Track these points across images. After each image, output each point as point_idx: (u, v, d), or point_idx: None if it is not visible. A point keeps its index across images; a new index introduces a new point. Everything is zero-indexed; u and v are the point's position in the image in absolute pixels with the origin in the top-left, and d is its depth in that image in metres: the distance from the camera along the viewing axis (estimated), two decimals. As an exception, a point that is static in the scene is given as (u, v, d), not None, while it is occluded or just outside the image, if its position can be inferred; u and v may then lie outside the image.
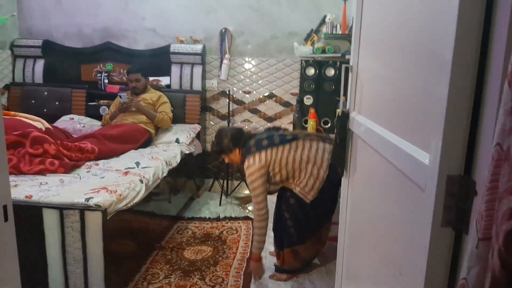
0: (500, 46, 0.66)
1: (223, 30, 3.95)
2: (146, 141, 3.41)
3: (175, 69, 3.96)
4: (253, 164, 2.30)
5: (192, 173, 3.80)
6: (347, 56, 3.42)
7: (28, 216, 2.01)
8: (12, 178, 2.39)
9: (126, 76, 3.63)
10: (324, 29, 3.61)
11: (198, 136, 3.85)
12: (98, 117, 3.84)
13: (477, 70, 0.73)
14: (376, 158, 1.20)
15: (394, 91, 1.07)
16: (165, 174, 2.88)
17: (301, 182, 2.33)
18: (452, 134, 0.77)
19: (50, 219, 2.01)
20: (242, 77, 4.04)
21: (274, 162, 2.30)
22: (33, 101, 3.95)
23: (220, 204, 3.81)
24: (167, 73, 3.96)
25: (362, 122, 1.39)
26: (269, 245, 2.92)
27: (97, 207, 2.00)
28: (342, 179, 1.75)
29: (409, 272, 0.95)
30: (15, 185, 2.24)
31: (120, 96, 3.47)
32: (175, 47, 3.90)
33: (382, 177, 1.15)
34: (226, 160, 2.57)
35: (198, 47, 3.90)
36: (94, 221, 1.99)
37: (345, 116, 1.65)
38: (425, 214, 0.83)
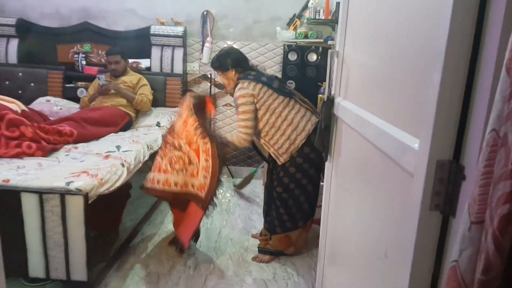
0: (494, 33, 0.67)
1: (205, 13, 3.88)
2: (126, 124, 3.35)
3: (155, 52, 3.88)
4: (246, 88, 2.32)
5: (173, 158, 3.76)
6: (329, 42, 3.42)
7: (6, 201, 1.96)
8: (-13, 161, 2.32)
9: (105, 57, 3.53)
10: (307, 14, 3.60)
11: (180, 120, 3.80)
12: (76, 99, 3.73)
13: (470, 56, 0.74)
14: (362, 143, 1.21)
15: (383, 77, 1.08)
16: (146, 158, 2.84)
17: (276, 143, 2.37)
18: (443, 120, 0.78)
19: (29, 204, 1.96)
20: (224, 61, 3.99)
21: (263, 102, 2.33)
22: (7, 82, 3.80)
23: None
24: (148, 55, 3.87)
25: (348, 108, 1.41)
26: (251, 228, 2.96)
27: (78, 191, 1.96)
28: (326, 163, 1.77)
29: (395, 254, 0.97)
30: (-9, 169, 2.17)
31: (98, 78, 3.38)
32: (155, 29, 3.81)
33: (369, 162, 1.17)
34: (221, 79, 2.56)
35: (179, 29, 3.82)
36: (76, 205, 1.95)
37: (330, 101, 1.66)
38: (413, 199, 0.85)
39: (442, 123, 0.78)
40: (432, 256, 0.84)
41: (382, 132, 1.02)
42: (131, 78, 3.53)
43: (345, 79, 1.56)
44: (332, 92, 1.67)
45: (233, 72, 2.44)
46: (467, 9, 0.73)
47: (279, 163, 2.39)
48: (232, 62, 2.44)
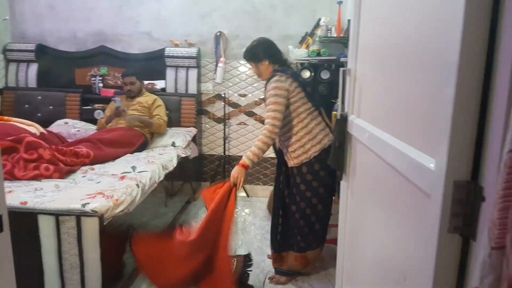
0: (509, 49, 0.65)
1: (218, 34, 3.94)
2: (142, 145, 3.38)
3: (170, 73, 3.94)
4: (283, 82, 2.27)
5: (188, 177, 3.78)
6: (342, 59, 3.42)
7: (24, 223, 1.98)
8: (6, 184, 2.36)
9: (121, 79, 3.61)
10: (319, 32, 3.61)
11: (194, 139, 3.83)
12: (93, 121, 3.81)
13: (484, 73, 0.72)
14: (377, 163, 1.19)
15: (397, 95, 1.06)
16: (161, 178, 2.85)
17: (290, 146, 2.34)
18: (459, 138, 0.76)
19: (46, 226, 1.97)
20: (237, 80, 4.03)
21: (293, 102, 2.29)
22: (26, 106, 3.90)
23: (216, 208, 3.77)
24: (162, 76, 3.94)
25: (362, 126, 1.39)
26: (267, 248, 2.92)
27: (93, 213, 1.97)
28: (342, 182, 1.74)
29: (414, 278, 0.94)
30: (10, 191, 2.20)
31: (114, 101, 3.44)
32: (170, 51, 3.88)
33: (385, 182, 1.15)
34: (253, 70, 2.49)
35: (193, 51, 3.89)
36: (91, 227, 1.96)
37: (344, 119, 1.64)
38: (431, 221, 0.82)
39: (458, 141, 0.76)
40: (452, 280, 0.80)
41: (397, 151, 1.00)
42: (146, 99, 3.59)
43: (357, 96, 1.54)
44: (345, 110, 1.66)
45: (267, 63, 2.38)
46: (479, 23, 0.71)
47: (289, 166, 2.38)
48: (265, 52, 2.38)
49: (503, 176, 0.57)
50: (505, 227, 0.56)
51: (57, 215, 1.97)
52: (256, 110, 4.06)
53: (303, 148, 2.32)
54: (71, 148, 2.84)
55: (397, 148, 0.99)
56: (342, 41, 3.56)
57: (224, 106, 4.00)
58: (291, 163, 2.36)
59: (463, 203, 0.79)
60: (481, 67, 0.72)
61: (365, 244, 1.41)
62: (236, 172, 2.21)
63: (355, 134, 1.52)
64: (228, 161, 4.10)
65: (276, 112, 2.22)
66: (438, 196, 0.80)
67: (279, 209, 2.51)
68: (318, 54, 3.60)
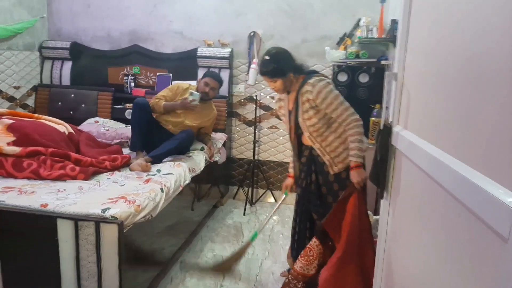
0: None
1: (252, 34, 3.80)
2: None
3: (201, 73, 3.83)
4: (324, 79, 2.14)
5: (216, 180, 3.66)
6: (383, 62, 3.20)
7: (43, 226, 1.92)
8: (30, 182, 2.32)
9: (205, 77, 3.23)
10: (359, 33, 3.40)
11: (224, 143, 3.71)
12: (123, 120, 3.77)
13: None
14: (431, 186, 1.00)
15: (461, 107, 0.87)
16: (187, 181, 2.75)
17: (334, 151, 2.18)
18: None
19: (64, 230, 1.90)
20: (270, 82, 3.87)
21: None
22: (59, 103, 3.92)
23: (244, 214, 3.65)
24: (194, 77, 3.84)
25: (410, 140, 1.20)
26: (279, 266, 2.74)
27: (113, 219, 1.88)
28: (382, 201, 1.55)
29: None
30: (32, 192, 2.16)
31: (191, 93, 3.06)
32: (202, 51, 3.79)
33: (440, 211, 0.96)
34: (276, 85, 2.21)
35: (226, 51, 3.77)
36: (110, 234, 1.87)
37: (388, 130, 1.45)
38: (508, 270, 0.64)
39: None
40: None
41: (462, 179, 0.80)
42: (212, 113, 3.37)
43: (405, 105, 1.35)
44: (390, 120, 1.47)
45: (292, 75, 2.19)
46: None
47: (332, 173, 2.19)
48: (288, 64, 2.19)
49: None
50: None
51: (76, 220, 1.89)
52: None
53: (348, 150, 2.15)
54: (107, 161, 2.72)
55: (463, 175, 0.80)
56: (384, 43, 3.34)
57: (256, 109, 3.86)
58: (335, 169, 2.19)
59: (555, 254, 0.60)
60: None
61: (404, 274, 1.22)
62: (357, 175, 2.04)
63: (400, 148, 1.33)
64: (258, 166, 3.96)
65: (346, 102, 2.13)
66: (520, 242, 0.61)
67: (308, 220, 2.33)
68: (357, 56, 3.39)
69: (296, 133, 2.30)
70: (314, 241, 2.13)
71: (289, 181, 2.47)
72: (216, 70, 3.79)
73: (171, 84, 3.81)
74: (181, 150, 3.06)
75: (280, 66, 2.16)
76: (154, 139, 3.02)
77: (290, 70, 2.18)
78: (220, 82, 3.26)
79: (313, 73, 2.23)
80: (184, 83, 3.35)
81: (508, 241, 0.64)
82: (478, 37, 0.83)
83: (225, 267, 2.55)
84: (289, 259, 2.48)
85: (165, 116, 3.16)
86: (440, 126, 0.99)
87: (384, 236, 1.51)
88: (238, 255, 2.51)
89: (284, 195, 2.50)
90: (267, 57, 2.19)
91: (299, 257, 2.17)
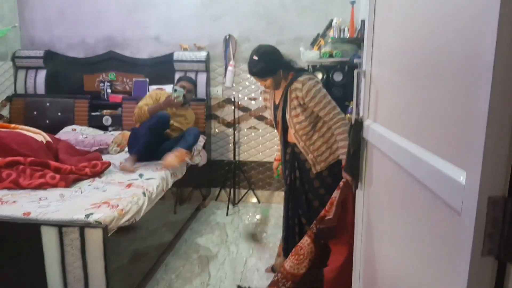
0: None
1: (227, 37, 3.87)
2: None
3: (178, 77, 3.87)
4: (313, 79, 2.18)
5: (198, 183, 3.70)
6: (355, 60, 3.31)
7: (27, 234, 1.92)
8: (11, 192, 2.31)
9: (181, 81, 3.28)
10: (331, 33, 3.51)
11: (204, 146, 3.75)
12: (101, 127, 3.77)
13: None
14: (398, 172, 1.08)
15: (423, 101, 0.95)
16: (169, 186, 2.78)
17: (317, 150, 2.24)
18: (495, 148, 0.66)
19: (48, 237, 1.91)
20: (247, 83, 3.95)
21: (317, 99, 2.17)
22: (35, 113, 3.88)
23: (227, 214, 3.70)
24: (171, 81, 3.87)
25: (379, 132, 1.28)
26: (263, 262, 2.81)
27: (97, 224, 1.90)
28: (357, 192, 1.64)
29: (441, 305, 0.83)
30: (14, 201, 2.15)
31: (175, 90, 3.04)
32: (178, 55, 3.82)
33: (406, 194, 1.04)
34: (266, 84, 2.26)
35: (202, 54, 3.82)
36: (95, 238, 1.89)
37: (359, 124, 1.54)
38: (462, 241, 0.72)
39: (494, 152, 0.66)
40: (488, 311, 0.70)
41: (421, 162, 0.89)
42: (191, 115, 3.43)
43: (374, 100, 1.44)
44: (360, 114, 1.56)
45: (281, 72, 2.24)
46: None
47: (314, 171, 2.26)
48: (278, 62, 2.22)
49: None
50: None
51: (60, 226, 1.90)
52: (267, 113, 3.97)
53: (331, 149, 2.23)
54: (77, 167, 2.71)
55: (421, 158, 0.88)
56: (356, 42, 3.46)
57: (234, 110, 3.92)
58: (317, 168, 2.25)
59: (499, 223, 0.68)
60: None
61: (381, 261, 1.30)
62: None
63: (371, 140, 1.41)
64: (239, 167, 4.02)
65: (333, 102, 2.19)
66: (470, 214, 0.69)
67: (295, 216, 2.39)
68: (331, 56, 3.50)
69: (282, 128, 2.34)
70: (305, 240, 2.14)
71: (276, 163, 2.62)
72: (193, 74, 3.84)
73: (148, 90, 3.83)
74: (157, 131, 3.04)
75: (269, 65, 2.18)
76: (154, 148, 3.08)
77: (279, 67, 2.21)
78: (194, 84, 3.35)
79: (302, 71, 2.29)
80: (163, 92, 3.36)
81: (461, 214, 0.72)
82: (432, 36, 0.91)
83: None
84: (279, 257, 2.52)
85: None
86: (403, 116, 1.08)
87: (361, 225, 1.59)
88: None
89: (276, 177, 2.69)
90: (255, 57, 2.18)
91: (290, 255, 2.17)
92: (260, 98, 3.84)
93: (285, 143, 2.37)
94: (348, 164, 1.62)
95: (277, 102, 2.34)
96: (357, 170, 1.57)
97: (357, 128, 1.53)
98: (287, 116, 2.24)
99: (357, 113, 1.59)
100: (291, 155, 2.36)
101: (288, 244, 2.41)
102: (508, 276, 0.70)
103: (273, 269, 2.59)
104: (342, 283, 2.01)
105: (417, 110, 0.97)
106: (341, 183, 1.96)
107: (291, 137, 2.31)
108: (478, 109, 0.67)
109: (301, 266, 2.10)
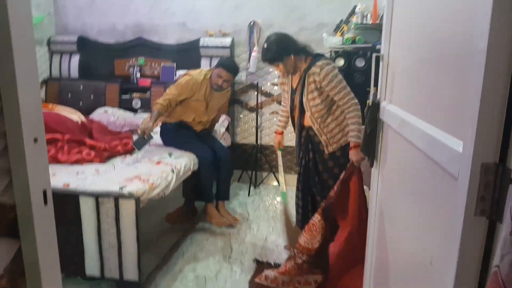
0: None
1: (252, 23, 3.96)
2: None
3: (204, 63, 4.01)
4: (330, 64, 2.30)
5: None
6: (378, 46, 3.35)
7: (66, 204, 2.11)
8: (50, 167, 2.50)
9: (218, 67, 3.00)
10: (354, 19, 3.55)
11: (227, 129, 3.89)
12: (131, 109, 3.97)
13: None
14: (407, 147, 1.18)
15: (426, 78, 1.05)
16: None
17: (330, 132, 2.35)
18: (487, 120, 0.75)
19: (86, 206, 2.09)
20: (270, 69, 4.04)
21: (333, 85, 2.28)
22: (69, 95, 4.10)
23: (249, 195, 3.84)
24: (197, 66, 4.00)
25: (393, 112, 1.37)
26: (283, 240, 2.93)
27: (130, 195, 2.06)
28: (372, 170, 1.73)
29: (440, 262, 0.93)
30: (53, 174, 2.34)
31: (137, 141, 2.86)
32: (204, 41, 3.95)
33: (414, 166, 1.14)
34: (280, 70, 2.38)
35: (227, 41, 3.93)
36: (128, 208, 2.06)
37: (376, 106, 1.62)
38: (458, 203, 0.82)
39: (486, 123, 0.75)
40: (477, 263, 0.80)
41: (425, 135, 0.99)
42: (224, 96, 3.27)
43: (390, 82, 1.52)
44: (378, 96, 1.64)
45: (293, 57, 2.33)
46: (507, 9, 0.70)
47: (327, 152, 2.37)
48: (287, 48, 2.31)
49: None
50: (528, 205, 0.55)
51: (97, 197, 2.08)
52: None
53: (343, 131, 2.34)
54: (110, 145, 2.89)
55: (425, 132, 0.98)
56: (379, 28, 3.49)
57: (257, 95, 4.03)
58: (330, 149, 2.36)
59: (491, 186, 0.78)
60: (509, 51, 0.71)
61: (393, 230, 1.41)
62: (356, 154, 2.20)
63: (386, 121, 1.50)
64: (261, 150, 4.14)
65: (348, 87, 2.30)
66: (466, 179, 0.79)
67: (309, 195, 2.51)
68: (353, 42, 3.55)
69: (299, 112, 2.44)
70: (316, 217, 2.29)
71: (279, 137, 2.69)
72: (218, 60, 3.95)
73: (175, 74, 3.96)
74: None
75: (278, 52, 2.30)
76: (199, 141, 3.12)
77: (290, 53, 2.32)
78: (233, 72, 3.05)
79: (320, 56, 2.38)
80: (197, 74, 3.06)
81: (458, 179, 0.82)
82: (440, 24, 1.00)
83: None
84: (296, 229, 2.66)
85: (189, 117, 3.08)
86: (412, 96, 1.17)
87: (375, 202, 1.69)
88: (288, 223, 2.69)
89: (280, 151, 2.73)
90: (265, 45, 2.35)
91: (303, 232, 2.33)
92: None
93: (300, 126, 2.48)
94: (365, 144, 1.71)
95: (294, 87, 2.44)
96: (373, 149, 1.66)
97: (374, 109, 1.62)
98: (304, 99, 2.34)
99: (375, 96, 1.67)
100: (306, 138, 2.47)
101: (302, 220, 2.54)
102: (498, 233, 0.79)
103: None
104: (346, 257, 2.15)
105: (425, 90, 1.06)
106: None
107: (307, 120, 2.40)
108: (473, 89, 0.76)
109: (314, 241, 2.24)
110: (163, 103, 2.90)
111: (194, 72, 3.09)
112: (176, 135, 3.06)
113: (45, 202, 1.03)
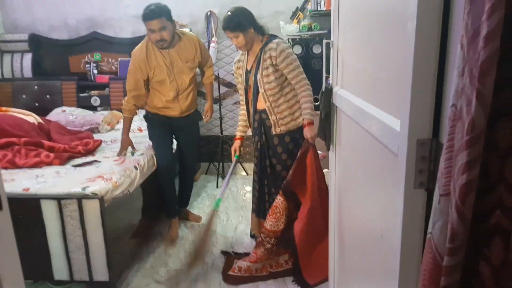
0: (460, 14, 0.69)
1: (209, 13, 3.93)
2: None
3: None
4: (286, 43, 2.37)
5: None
6: (333, 32, 3.43)
7: (28, 209, 2.06)
8: (8, 172, 2.43)
9: (146, 24, 2.57)
10: (309, 6, 3.60)
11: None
12: (89, 107, 3.86)
13: (440, 38, 0.76)
14: (356, 129, 1.24)
15: (368, 62, 1.11)
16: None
17: (280, 113, 2.40)
18: (420, 100, 0.81)
19: (49, 210, 2.05)
20: (230, 59, 4.04)
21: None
22: (24, 96, 3.95)
23: (217, 186, 3.87)
24: (156, 59, 3.94)
25: (344, 96, 1.43)
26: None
27: (93, 195, 2.04)
28: (330, 153, 1.79)
29: (389, 234, 1.00)
30: (12, 179, 2.27)
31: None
32: (161, 33, 3.87)
33: (362, 146, 1.20)
34: (235, 41, 2.37)
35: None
36: (92, 209, 2.04)
37: (329, 91, 1.68)
38: (399, 178, 0.88)
39: (419, 103, 0.81)
40: (420, 233, 0.86)
41: (369, 116, 1.05)
42: (187, 43, 2.74)
43: (341, 68, 1.58)
44: (330, 82, 1.70)
45: (253, 31, 2.37)
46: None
47: (274, 133, 2.43)
48: (248, 20, 2.36)
49: (447, 129, 0.62)
50: (450, 175, 0.61)
51: (59, 199, 2.04)
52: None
53: (293, 115, 2.40)
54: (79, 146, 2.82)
55: (369, 113, 1.04)
56: (332, 14, 3.55)
57: (219, 86, 4.02)
58: (278, 130, 2.42)
59: (427, 160, 0.84)
60: (437, 34, 0.76)
61: (350, 207, 1.48)
62: (310, 131, 2.27)
63: (339, 105, 1.56)
64: (225, 141, 4.16)
65: (301, 68, 2.37)
66: (404, 154, 0.85)
67: (265, 178, 2.57)
68: (310, 29, 3.60)
69: (253, 93, 2.46)
70: (278, 199, 2.35)
71: (236, 143, 2.67)
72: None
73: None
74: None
75: (241, 20, 2.32)
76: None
77: (251, 25, 2.36)
78: (158, 15, 2.52)
79: (276, 36, 2.44)
80: (137, 50, 2.74)
81: (398, 155, 0.88)
82: (376, 6, 1.05)
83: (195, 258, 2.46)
84: (252, 214, 2.71)
85: (159, 102, 2.74)
86: (358, 79, 1.23)
87: (333, 183, 1.76)
88: (202, 243, 2.51)
89: (236, 158, 2.65)
90: (229, 13, 2.36)
91: (268, 215, 2.39)
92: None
93: (254, 110, 2.51)
94: (320, 128, 1.77)
95: (249, 68, 2.48)
96: (329, 132, 1.73)
97: (327, 94, 1.68)
98: (258, 76, 2.38)
99: (327, 82, 1.73)
100: (259, 122, 2.51)
101: (259, 203, 2.62)
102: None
103: (252, 236, 2.77)
104: (310, 232, 2.25)
105: (367, 73, 1.12)
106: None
107: (261, 102, 2.44)
108: (406, 69, 0.82)
109: (279, 222, 2.31)
110: (125, 107, 2.69)
111: (134, 50, 2.73)
112: (150, 125, 2.88)
113: (0, 207, 1.01)
